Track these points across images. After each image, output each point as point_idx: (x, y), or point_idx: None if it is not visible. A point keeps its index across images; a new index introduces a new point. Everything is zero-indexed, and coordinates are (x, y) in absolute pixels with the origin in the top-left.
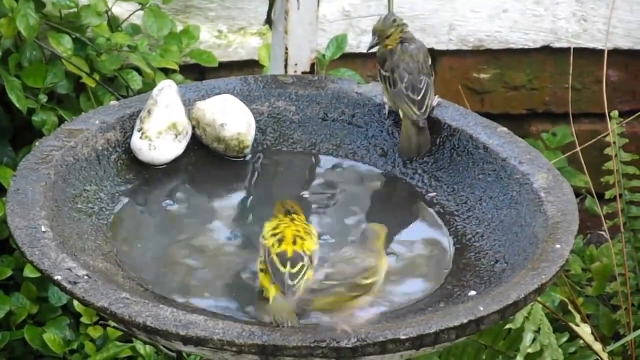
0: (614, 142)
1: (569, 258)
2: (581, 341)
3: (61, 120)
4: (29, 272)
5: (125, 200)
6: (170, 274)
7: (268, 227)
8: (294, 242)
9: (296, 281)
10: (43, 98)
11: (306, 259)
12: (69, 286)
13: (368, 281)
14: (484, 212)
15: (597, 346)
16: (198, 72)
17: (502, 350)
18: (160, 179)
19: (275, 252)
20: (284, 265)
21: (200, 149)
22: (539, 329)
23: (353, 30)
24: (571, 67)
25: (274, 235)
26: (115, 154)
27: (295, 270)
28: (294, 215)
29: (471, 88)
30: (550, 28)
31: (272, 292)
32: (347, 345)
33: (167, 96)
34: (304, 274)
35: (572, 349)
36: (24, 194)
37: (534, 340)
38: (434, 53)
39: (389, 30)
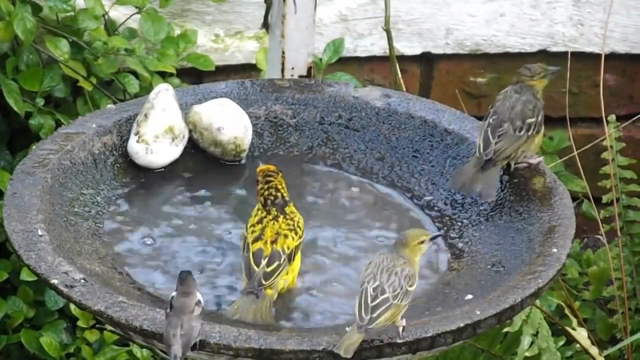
0: (611, 146)
1: (566, 262)
2: (578, 345)
3: (58, 124)
4: (25, 276)
5: (122, 204)
6: (166, 276)
7: (252, 220)
8: (275, 241)
9: (270, 280)
10: (40, 102)
11: (284, 257)
12: (65, 290)
13: (412, 288)
14: (480, 215)
15: (594, 350)
16: (195, 76)
17: (499, 354)
18: (157, 183)
19: (252, 249)
20: (258, 264)
21: (197, 153)
22: (537, 332)
23: (350, 34)
24: (568, 72)
25: (254, 231)
26: (112, 157)
27: (270, 269)
28: (285, 209)
29: (468, 92)
30: (547, 32)
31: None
32: None
33: (164, 100)
34: (279, 274)
35: (568, 353)
36: (20, 198)
37: (532, 343)
38: (430, 57)
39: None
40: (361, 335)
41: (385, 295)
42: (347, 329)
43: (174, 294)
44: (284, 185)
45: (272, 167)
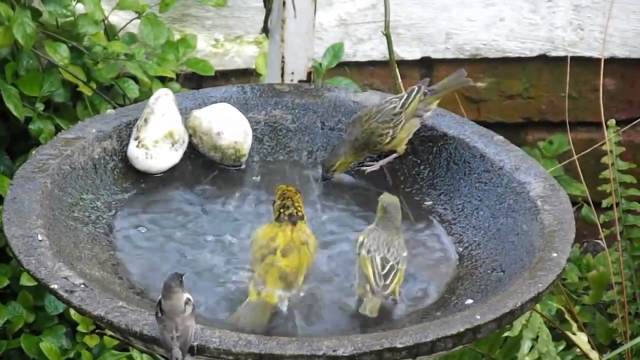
0: (611, 151)
1: (566, 267)
2: (578, 350)
3: (58, 129)
4: (25, 281)
5: (121, 208)
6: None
7: (265, 233)
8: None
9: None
10: (40, 106)
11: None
12: (65, 295)
13: (405, 254)
14: (480, 220)
15: (594, 355)
16: (195, 81)
17: (499, 359)
18: (156, 188)
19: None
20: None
21: (196, 158)
22: (537, 336)
23: (349, 39)
24: (568, 76)
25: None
26: (111, 162)
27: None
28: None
29: (468, 97)
30: (546, 37)
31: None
32: (344, 354)
33: (163, 105)
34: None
35: (568, 358)
36: (20, 203)
37: (532, 348)
38: (430, 62)
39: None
40: (379, 299)
41: (390, 263)
42: None
43: (160, 297)
44: (300, 203)
45: (290, 187)
